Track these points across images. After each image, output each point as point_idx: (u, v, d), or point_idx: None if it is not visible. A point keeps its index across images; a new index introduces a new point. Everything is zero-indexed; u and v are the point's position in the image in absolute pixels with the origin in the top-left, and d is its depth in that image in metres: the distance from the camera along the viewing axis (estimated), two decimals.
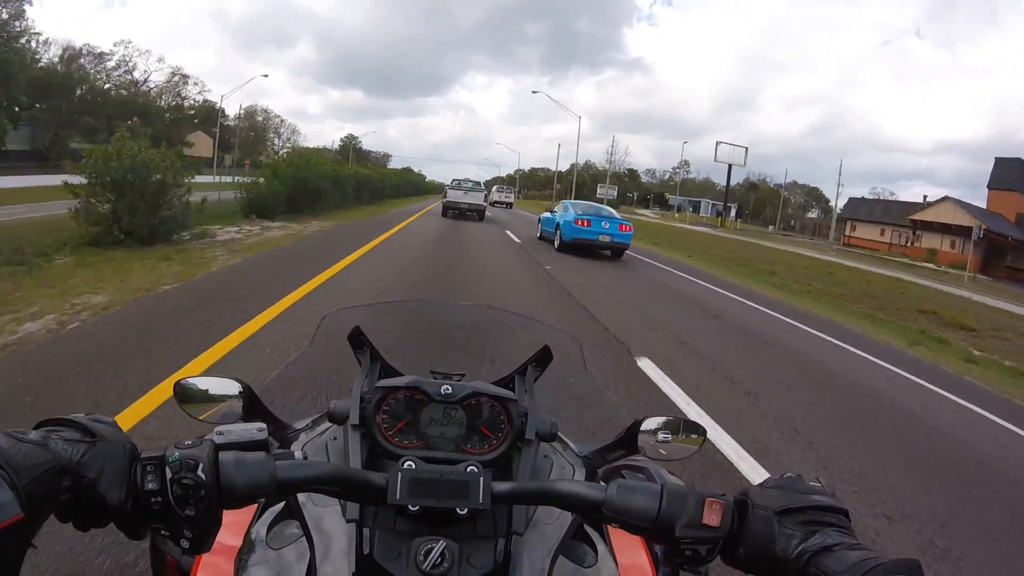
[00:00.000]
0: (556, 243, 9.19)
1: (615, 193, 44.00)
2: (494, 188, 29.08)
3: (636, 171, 62.24)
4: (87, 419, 0.39)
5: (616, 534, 0.62)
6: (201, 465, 0.38)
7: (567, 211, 9.34)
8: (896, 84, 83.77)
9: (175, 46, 68.97)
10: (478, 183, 16.62)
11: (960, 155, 75.93)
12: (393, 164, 64.28)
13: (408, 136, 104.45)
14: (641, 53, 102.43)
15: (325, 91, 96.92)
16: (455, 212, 14.46)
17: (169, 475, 0.38)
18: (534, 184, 64.84)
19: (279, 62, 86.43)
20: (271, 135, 46.56)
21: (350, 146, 52.24)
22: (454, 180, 16.30)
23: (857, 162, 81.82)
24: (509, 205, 26.69)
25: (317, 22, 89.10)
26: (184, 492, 0.38)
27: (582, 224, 8.75)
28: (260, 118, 45.51)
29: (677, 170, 57.67)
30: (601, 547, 0.59)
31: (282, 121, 48.14)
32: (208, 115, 36.28)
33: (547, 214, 10.44)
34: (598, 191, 37.01)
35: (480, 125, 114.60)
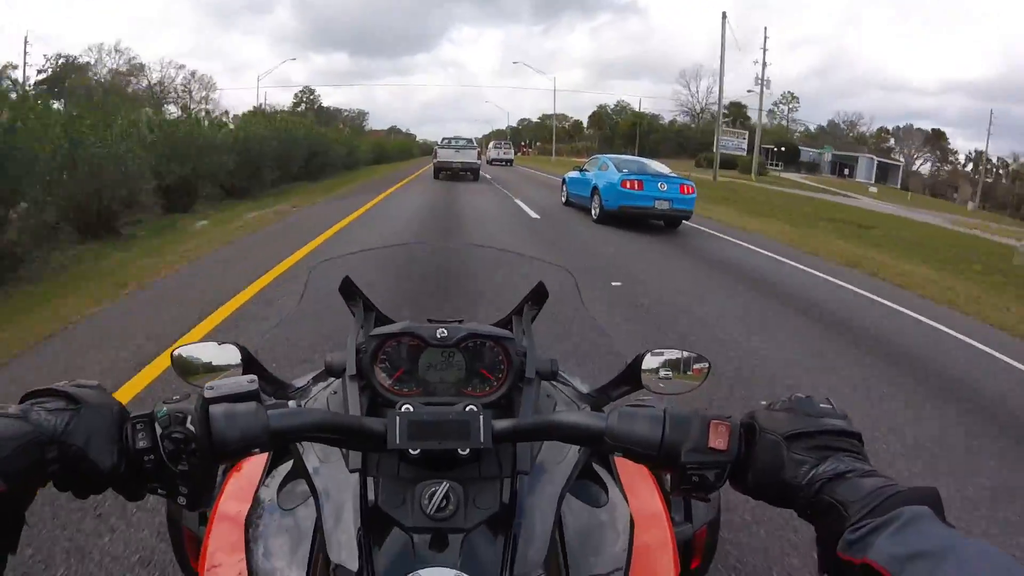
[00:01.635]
0: (595, 212, 7.25)
1: (746, 144, 31.60)
2: (491, 144, 28.61)
3: (742, 107, 41.09)
4: (70, 386, 0.41)
5: (626, 473, 0.66)
6: (189, 418, 0.40)
7: (608, 170, 7.31)
8: (900, 21, 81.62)
9: (147, 28, 66.59)
10: (470, 140, 16.07)
11: (967, 95, 75.22)
12: (375, 125, 62.54)
13: (399, 98, 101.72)
14: None
15: (308, 56, 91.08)
16: (447, 173, 14.14)
17: (159, 431, 0.39)
18: (540, 137, 62.11)
19: (258, 30, 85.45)
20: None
21: (304, 101, 47.72)
22: (444, 139, 16.08)
23: (858, 103, 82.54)
24: (509, 162, 26.43)
25: None
26: (175, 447, 0.39)
27: (631, 187, 6.73)
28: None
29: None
30: (611, 485, 0.63)
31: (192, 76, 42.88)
32: None
33: (575, 173, 8.51)
34: (717, 139, 25.16)
35: (471, 82, 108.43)
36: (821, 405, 0.43)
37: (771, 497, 0.42)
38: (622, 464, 0.68)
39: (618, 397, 0.75)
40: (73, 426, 0.39)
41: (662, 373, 0.70)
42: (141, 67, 39.18)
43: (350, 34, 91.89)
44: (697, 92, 49.72)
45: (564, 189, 9.02)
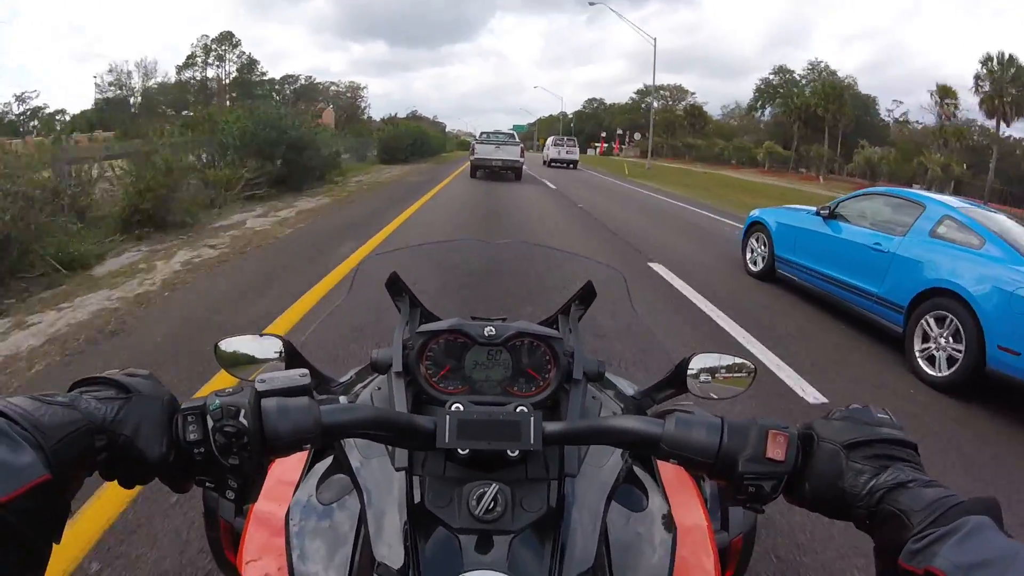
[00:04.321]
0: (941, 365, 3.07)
1: None
2: (549, 142, 26.52)
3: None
4: (121, 375, 0.46)
5: (667, 478, 0.72)
6: (243, 411, 0.44)
7: (985, 248, 3.11)
8: (960, 17, 79.79)
9: (179, 17, 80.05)
10: (511, 135, 15.93)
11: None
12: (398, 111, 65.43)
13: (435, 88, 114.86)
14: None
15: (347, 46, 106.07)
16: (485, 172, 14.04)
17: (211, 424, 0.43)
18: (593, 131, 61.35)
19: (295, 19, 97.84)
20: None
21: (219, 58, 52.02)
22: (482, 133, 16.13)
23: (913, 101, 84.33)
24: (574, 164, 24.05)
25: None
26: (227, 440, 0.43)
27: None
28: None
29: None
30: (653, 490, 0.68)
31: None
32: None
33: (816, 222, 4.40)
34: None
35: (510, 72, 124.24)
36: (878, 415, 0.47)
37: (828, 508, 0.45)
38: (663, 467, 0.72)
39: (662, 400, 0.81)
40: (123, 415, 0.43)
41: (707, 377, 0.75)
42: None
43: (389, 23, 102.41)
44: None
45: (756, 251, 5.12)
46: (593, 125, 65.50)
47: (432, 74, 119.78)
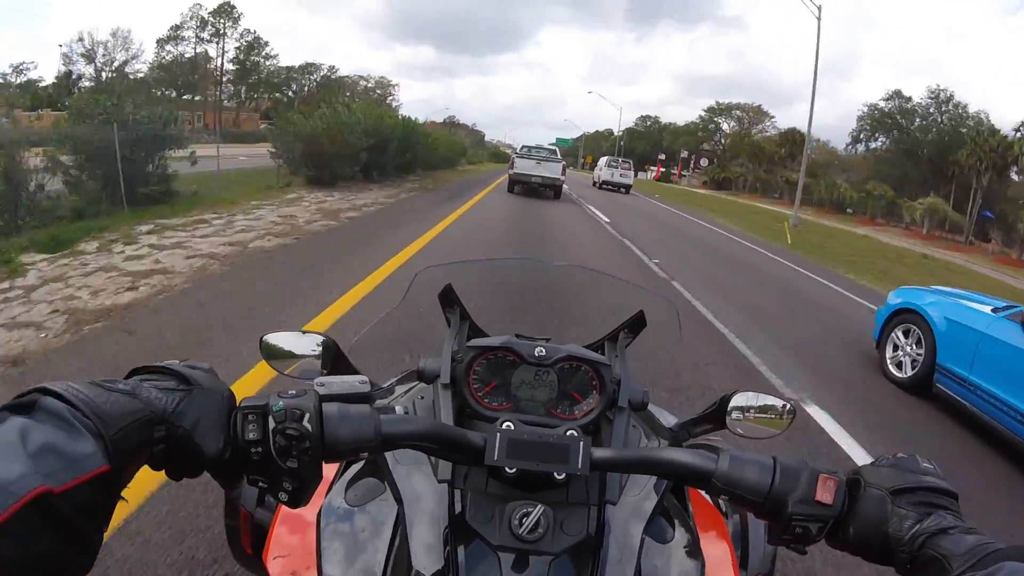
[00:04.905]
0: None
1: None
2: (602, 161, 27.33)
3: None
4: (183, 366, 0.51)
5: (696, 512, 0.85)
6: (307, 415, 0.50)
7: None
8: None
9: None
10: (554, 151, 17.27)
11: None
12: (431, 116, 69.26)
13: (478, 96, 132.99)
14: (739, 9, 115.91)
15: (393, 47, 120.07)
16: (524, 188, 15.51)
17: (272, 425, 0.49)
18: (644, 152, 61.68)
19: (344, 14, 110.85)
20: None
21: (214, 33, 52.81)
22: (523, 147, 17.75)
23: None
24: (627, 189, 25.17)
25: None
26: (287, 443, 0.49)
27: None
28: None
29: None
30: (679, 521, 0.79)
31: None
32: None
33: (957, 308, 3.95)
34: None
35: (554, 86, 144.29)
36: (924, 464, 0.57)
37: (870, 551, 0.54)
38: (692, 501, 0.83)
39: (699, 434, 0.92)
40: (183, 407, 0.48)
41: (746, 415, 0.86)
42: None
43: (437, 27, 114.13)
44: None
45: (914, 356, 4.15)
46: (646, 145, 66.08)
47: (476, 82, 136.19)
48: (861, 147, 46.17)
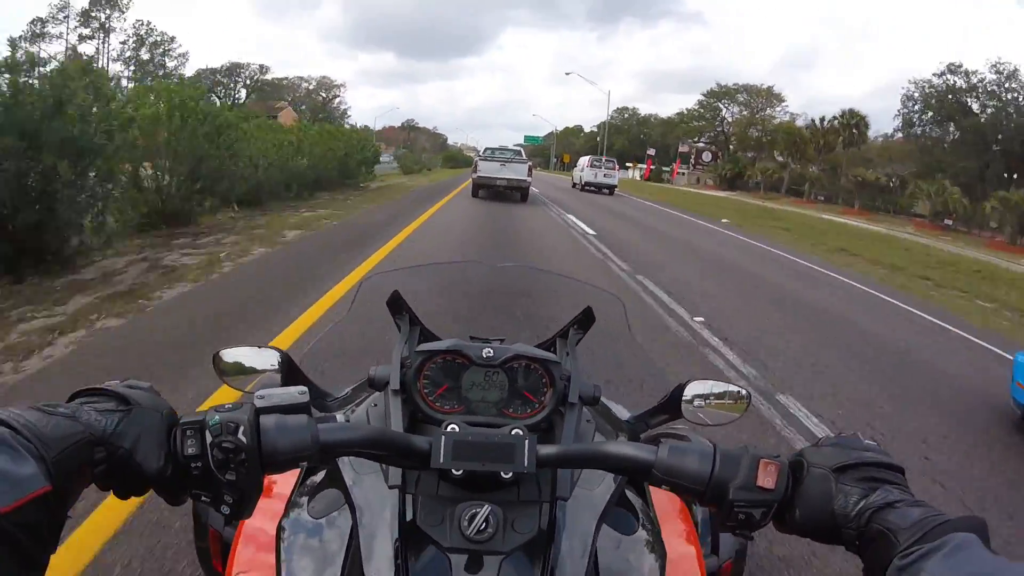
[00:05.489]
0: None
1: None
2: (584, 161, 28.33)
3: None
4: (122, 387, 0.61)
5: (658, 502, 0.97)
6: (242, 428, 0.58)
7: None
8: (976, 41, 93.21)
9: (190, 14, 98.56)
10: (518, 151, 19.22)
11: None
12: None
13: (443, 101, 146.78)
14: (700, 4, 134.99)
15: (355, 56, 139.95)
16: (489, 192, 16.95)
17: (209, 439, 0.58)
18: (625, 148, 62.16)
19: (306, 25, 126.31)
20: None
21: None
22: (486, 149, 19.49)
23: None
24: (611, 190, 26.19)
25: None
26: (225, 456, 0.58)
27: None
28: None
29: None
30: (644, 514, 0.92)
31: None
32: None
33: None
34: None
35: (519, 88, 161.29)
36: (866, 441, 0.66)
37: (818, 531, 0.62)
38: (654, 491, 0.96)
39: (656, 425, 1.08)
40: (123, 427, 0.57)
41: (702, 403, 1.02)
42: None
43: (399, 33, 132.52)
44: None
45: None
46: (624, 141, 66.74)
47: (440, 87, 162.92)
48: (896, 133, 43.07)
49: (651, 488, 0.95)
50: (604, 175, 26.18)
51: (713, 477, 0.64)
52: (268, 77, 62.42)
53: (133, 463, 0.57)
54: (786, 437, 3.45)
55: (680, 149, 59.18)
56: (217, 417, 0.59)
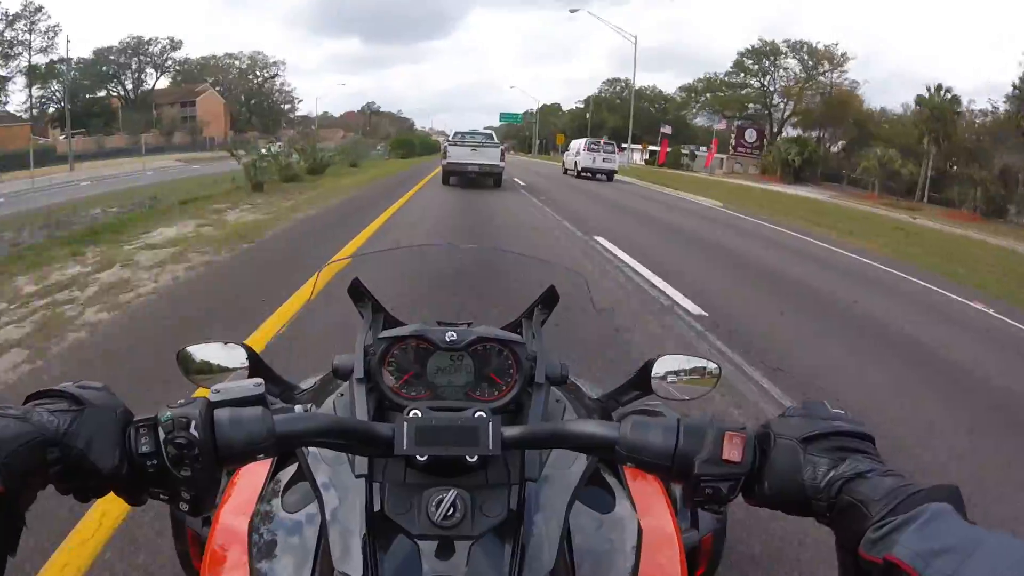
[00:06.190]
0: None
1: None
2: (579, 144, 29.20)
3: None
4: (75, 387, 0.70)
5: (633, 479, 1.15)
6: (194, 423, 0.68)
7: None
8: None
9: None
10: (490, 135, 22.39)
11: None
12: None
13: (412, 86, 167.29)
14: None
15: (320, 42, 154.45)
16: (460, 179, 18.96)
17: (162, 436, 0.67)
18: (619, 126, 57.92)
19: (267, 12, 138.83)
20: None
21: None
22: (456, 133, 22.00)
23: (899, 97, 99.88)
24: (610, 176, 27.13)
25: None
26: (179, 452, 0.67)
27: None
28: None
29: None
30: (619, 492, 1.09)
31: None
32: None
33: None
34: None
35: (488, 70, 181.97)
36: (833, 409, 0.74)
37: (787, 504, 0.70)
38: (630, 470, 1.12)
39: (628, 402, 1.27)
40: (75, 427, 0.66)
41: (672, 379, 1.20)
42: None
43: (363, 17, 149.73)
44: None
45: None
46: (618, 118, 63.39)
47: (408, 71, 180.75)
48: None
49: (627, 466, 1.10)
50: (604, 159, 27.28)
51: (678, 451, 0.73)
52: (182, 55, 62.82)
53: (88, 463, 0.66)
54: None
55: (716, 126, 56.67)
56: (169, 413, 0.69)
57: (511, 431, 0.83)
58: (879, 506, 0.61)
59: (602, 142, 29.38)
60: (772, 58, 56.73)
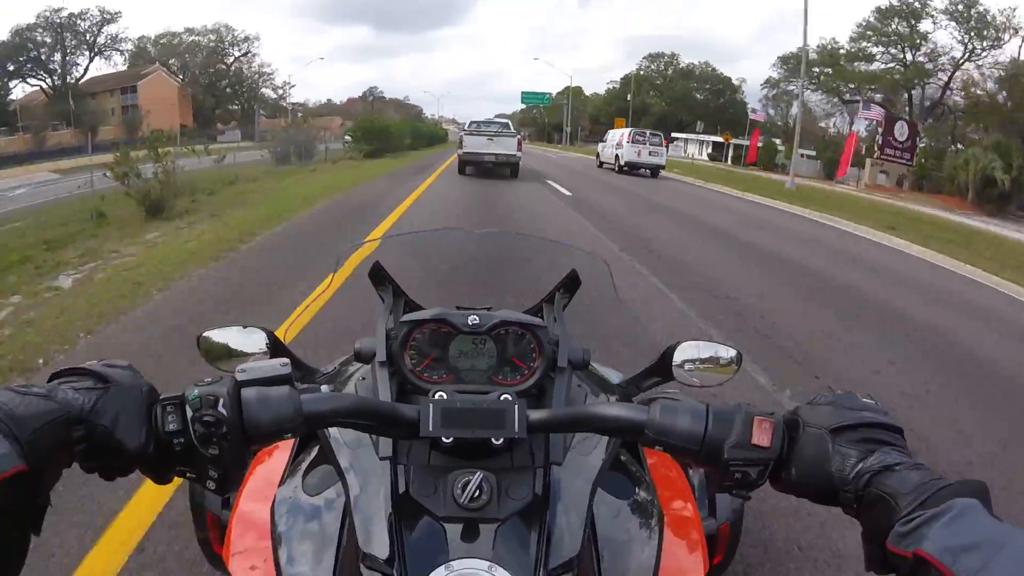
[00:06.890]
0: None
1: None
2: (620, 135, 29.95)
3: None
4: (100, 366, 0.82)
5: (654, 465, 1.41)
6: (221, 401, 0.80)
7: None
8: None
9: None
10: (506, 123, 25.12)
11: None
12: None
13: (419, 76, 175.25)
14: None
15: (328, 31, 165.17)
16: (476, 168, 21.88)
17: (190, 414, 0.79)
18: (664, 114, 58.26)
19: (274, 3, 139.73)
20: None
21: None
22: (472, 123, 24.55)
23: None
24: (655, 172, 29.80)
25: None
26: (206, 430, 0.79)
27: None
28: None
29: None
30: (641, 477, 1.33)
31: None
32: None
33: None
34: None
35: (496, 59, 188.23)
36: (863, 400, 0.86)
37: (814, 493, 0.82)
38: (650, 455, 1.37)
39: (648, 388, 1.47)
40: (101, 405, 0.76)
41: (692, 366, 1.39)
42: None
43: (372, 5, 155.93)
44: None
45: None
46: (663, 103, 61.84)
47: (416, 60, 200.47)
48: None
49: (646, 452, 1.30)
50: (650, 152, 28.09)
51: (707, 436, 0.85)
52: (117, 31, 61.59)
53: (114, 441, 0.76)
54: None
55: (863, 114, 46.27)
56: (196, 391, 0.80)
57: (537, 414, 0.96)
58: (907, 500, 0.71)
59: (648, 133, 30.52)
60: (911, 22, 47.29)
